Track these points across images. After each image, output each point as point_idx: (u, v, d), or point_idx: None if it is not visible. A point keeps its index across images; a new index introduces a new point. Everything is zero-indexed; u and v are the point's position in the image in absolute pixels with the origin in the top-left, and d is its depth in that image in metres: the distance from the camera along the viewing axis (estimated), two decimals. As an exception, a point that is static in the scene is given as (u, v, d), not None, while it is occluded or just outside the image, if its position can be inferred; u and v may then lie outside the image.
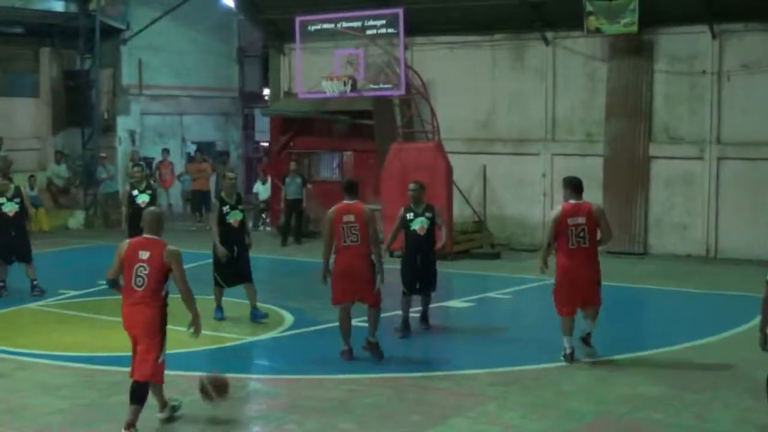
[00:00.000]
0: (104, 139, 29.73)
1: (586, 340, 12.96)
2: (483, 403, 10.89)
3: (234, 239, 15.23)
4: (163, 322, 9.91)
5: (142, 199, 18.60)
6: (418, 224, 14.30)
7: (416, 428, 10.09)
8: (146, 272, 9.69)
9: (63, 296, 17.47)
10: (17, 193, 17.80)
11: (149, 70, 30.92)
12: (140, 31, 29.84)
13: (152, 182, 21.06)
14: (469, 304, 16.93)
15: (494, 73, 24.35)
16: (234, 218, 15.26)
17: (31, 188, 27.60)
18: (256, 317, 15.24)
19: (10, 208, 17.44)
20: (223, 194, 15.55)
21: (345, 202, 13.02)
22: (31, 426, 10.19)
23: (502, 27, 24.07)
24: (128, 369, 10.05)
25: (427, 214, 14.37)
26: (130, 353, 9.99)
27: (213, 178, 29.45)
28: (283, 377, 12.28)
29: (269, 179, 27.07)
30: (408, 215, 14.36)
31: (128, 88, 30.51)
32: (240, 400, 11.15)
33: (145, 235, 10.01)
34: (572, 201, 12.69)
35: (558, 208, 12.85)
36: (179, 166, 30.53)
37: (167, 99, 31.63)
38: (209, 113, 33.17)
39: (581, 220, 12.49)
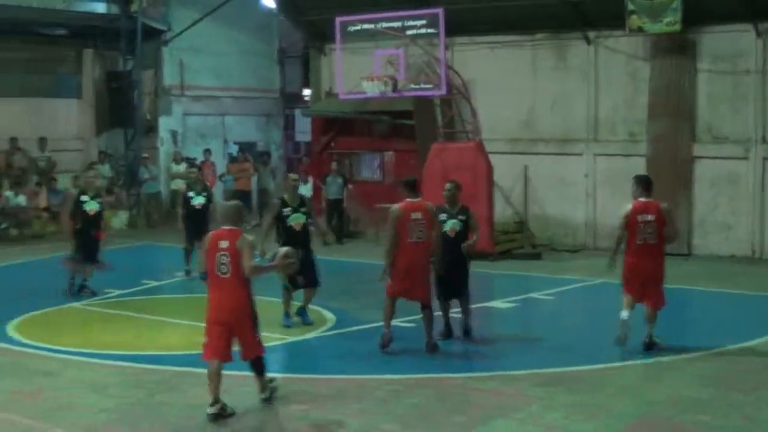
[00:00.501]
0: (146, 140, 29.91)
1: (649, 345, 13.16)
2: (527, 404, 10.86)
3: (297, 242, 14.44)
4: (252, 304, 10.61)
5: (198, 201, 18.78)
6: (449, 226, 13.79)
7: (459, 429, 10.08)
8: (228, 260, 10.37)
9: (107, 295, 17.58)
10: (99, 192, 17.98)
11: (191, 71, 31.04)
12: (181, 32, 29.95)
13: (207, 184, 21.07)
14: (511, 305, 16.89)
15: (536, 72, 24.27)
16: (295, 221, 14.84)
17: (75, 189, 27.79)
18: (304, 319, 15.15)
19: (92, 207, 17.52)
20: (285, 196, 15.21)
21: (409, 200, 13.22)
22: (78, 424, 10.28)
23: (543, 26, 23.99)
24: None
25: (461, 217, 13.90)
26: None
27: (254, 179, 29.54)
28: (325, 377, 12.28)
29: (310, 179, 27.14)
30: (441, 216, 13.82)
31: (170, 89, 30.64)
32: (282, 399, 11.17)
33: (223, 227, 10.68)
34: (642, 199, 13.10)
35: (628, 206, 13.18)
36: (221, 166, 30.64)
37: (209, 100, 31.73)
38: (250, 114, 33.22)
39: (650, 217, 12.96)
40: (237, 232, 10.54)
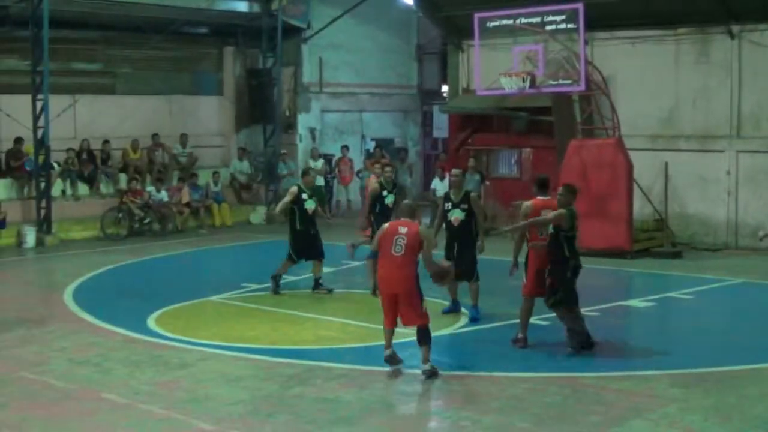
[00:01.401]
0: (285, 136, 30.30)
1: None
2: (663, 405, 10.66)
3: (454, 237, 15.12)
4: (418, 280, 12.05)
5: (390, 200, 18.74)
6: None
7: (594, 429, 9.94)
8: (404, 242, 11.97)
9: (245, 290, 17.83)
10: (314, 191, 18.20)
11: (329, 68, 31.34)
12: (321, 29, 30.26)
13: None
14: (649, 304, 16.56)
15: (677, 68, 23.78)
16: (454, 216, 15.08)
17: (215, 184, 28.36)
18: (472, 315, 15.26)
19: (311, 206, 17.72)
20: (450, 191, 15.45)
21: (540, 198, 13.44)
22: (214, 415, 10.44)
23: (685, 21, 23.50)
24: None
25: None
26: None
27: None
28: (458, 373, 12.23)
29: (447, 175, 27.08)
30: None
31: (309, 86, 30.98)
32: (416, 395, 11.18)
33: (402, 219, 12.44)
34: None
35: None
36: (358, 162, 30.84)
37: (347, 96, 32.01)
38: (388, 110, 33.41)
39: None
40: (415, 224, 12.36)
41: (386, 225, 12.41)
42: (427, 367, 11.81)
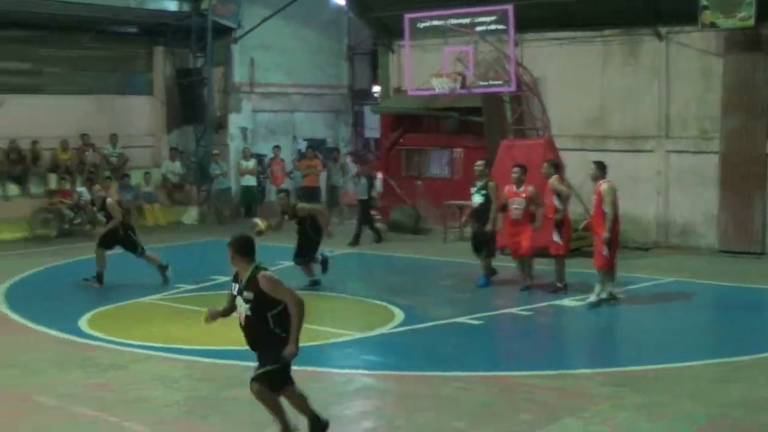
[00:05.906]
0: (217, 137, 30.14)
1: None
2: (595, 404, 10.76)
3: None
4: None
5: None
6: None
7: (527, 427, 10.01)
8: None
9: (178, 290, 17.73)
10: None
11: (260, 68, 31.22)
12: (251, 29, 30.13)
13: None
14: (581, 303, 16.70)
15: (606, 69, 24.02)
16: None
17: (147, 184, 28.15)
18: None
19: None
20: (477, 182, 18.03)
21: None
22: (148, 417, 10.37)
23: (614, 22, 23.73)
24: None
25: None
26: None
27: (323, 175, 29.60)
28: (392, 373, 12.28)
29: (379, 176, 27.09)
30: None
31: (240, 86, 30.85)
32: (350, 395, 11.20)
33: None
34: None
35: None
36: (290, 162, 30.79)
37: (278, 96, 31.91)
38: (320, 110, 33.38)
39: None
40: None
41: None
42: None
